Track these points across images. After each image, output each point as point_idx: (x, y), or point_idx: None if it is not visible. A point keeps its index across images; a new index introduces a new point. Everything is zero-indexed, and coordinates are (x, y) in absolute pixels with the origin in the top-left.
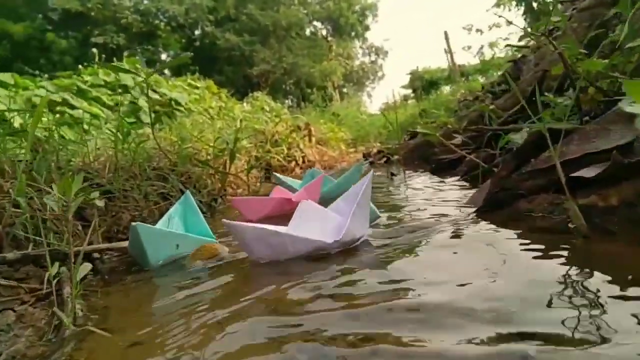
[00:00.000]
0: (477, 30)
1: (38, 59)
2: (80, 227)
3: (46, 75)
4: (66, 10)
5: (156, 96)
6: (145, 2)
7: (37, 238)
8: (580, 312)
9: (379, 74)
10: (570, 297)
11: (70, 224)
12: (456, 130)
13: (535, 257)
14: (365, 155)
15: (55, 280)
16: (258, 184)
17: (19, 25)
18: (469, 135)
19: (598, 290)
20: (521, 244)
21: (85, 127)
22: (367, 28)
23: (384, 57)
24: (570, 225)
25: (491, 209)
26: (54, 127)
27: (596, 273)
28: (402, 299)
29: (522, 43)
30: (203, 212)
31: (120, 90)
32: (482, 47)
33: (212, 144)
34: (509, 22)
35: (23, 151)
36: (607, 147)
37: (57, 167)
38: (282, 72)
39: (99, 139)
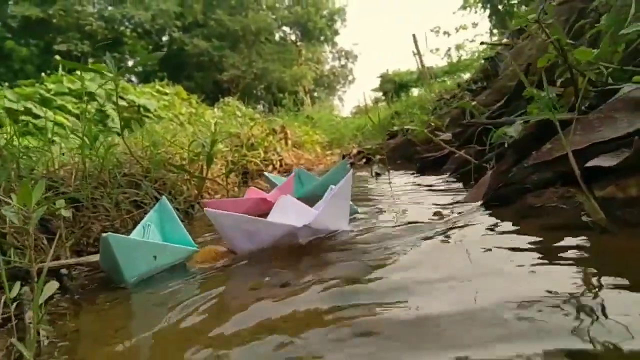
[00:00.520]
0: (445, 32)
1: None
2: (45, 241)
3: (7, 84)
4: (26, 17)
5: (124, 103)
6: (110, 8)
7: None
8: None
9: (350, 77)
10: (602, 301)
11: (31, 238)
12: (438, 127)
13: (553, 255)
14: (345, 156)
15: (15, 304)
16: (236, 189)
17: None
18: (452, 132)
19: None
20: (535, 242)
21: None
22: (336, 32)
23: (354, 61)
24: (586, 219)
25: (495, 205)
26: (15, 136)
27: (626, 271)
28: (402, 309)
29: (496, 41)
30: (180, 220)
31: (86, 98)
32: (449, 49)
33: (186, 148)
34: (475, 24)
35: None
36: (615, 136)
37: (18, 176)
38: (253, 77)
39: (64, 146)
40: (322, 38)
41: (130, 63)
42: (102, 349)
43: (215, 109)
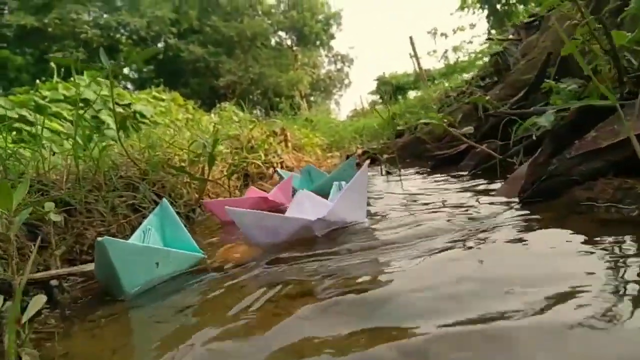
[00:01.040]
0: (442, 34)
1: None
2: (33, 248)
3: (0, 91)
4: (21, 26)
5: (119, 109)
6: (105, 16)
7: None
8: None
9: (346, 81)
10: None
11: (12, 245)
12: (451, 123)
13: (618, 257)
14: (349, 156)
15: None
16: (237, 192)
17: None
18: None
19: None
20: (594, 242)
21: (45, 142)
22: (331, 37)
23: (350, 64)
24: None
25: (537, 201)
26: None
27: None
28: (474, 323)
29: (502, 37)
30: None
31: (81, 104)
32: (446, 51)
33: (186, 149)
34: (473, 25)
35: None
36: None
37: (6, 179)
38: (249, 82)
39: (55, 148)
40: (317, 42)
41: (125, 70)
42: None
43: (212, 115)
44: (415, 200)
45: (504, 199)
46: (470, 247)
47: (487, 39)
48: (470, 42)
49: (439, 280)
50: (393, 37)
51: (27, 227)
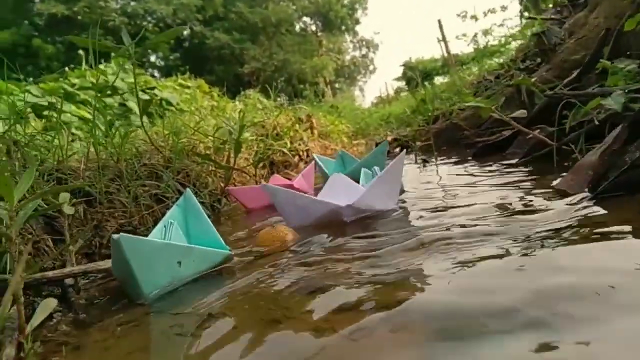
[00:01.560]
0: (472, 17)
1: (25, 66)
2: (50, 242)
3: (31, 79)
4: (52, 15)
5: (146, 96)
6: (133, 3)
7: None
8: None
9: (370, 67)
10: None
11: (15, 245)
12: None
13: None
14: (378, 143)
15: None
16: (263, 181)
17: (5, 32)
18: (507, 113)
19: None
20: None
21: (74, 130)
22: (357, 21)
23: (375, 50)
24: None
25: (614, 195)
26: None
27: None
28: None
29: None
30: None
31: (108, 92)
32: (475, 34)
33: (211, 136)
34: (504, 8)
35: None
36: None
37: (23, 167)
38: (273, 69)
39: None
40: (343, 27)
41: (152, 58)
42: None
43: (237, 102)
44: (457, 193)
45: (568, 193)
46: (538, 250)
47: (528, 18)
48: (502, 24)
49: (503, 290)
50: (419, 22)
51: (43, 219)
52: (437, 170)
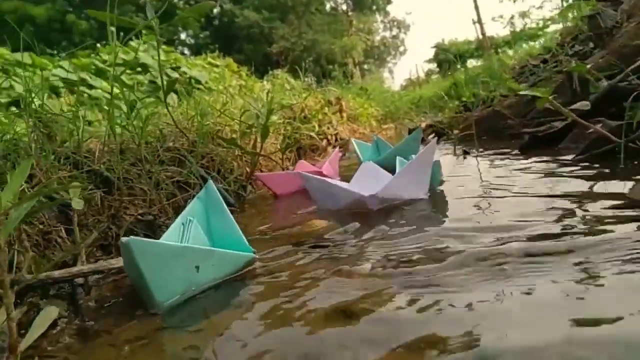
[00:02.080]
0: None
1: (60, 41)
2: (63, 232)
3: (64, 54)
4: None
5: (176, 74)
6: (204, 2)
7: None
8: None
9: (401, 48)
10: None
11: (4, 253)
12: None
13: None
14: (411, 130)
15: None
16: (290, 167)
17: (40, 7)
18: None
19: None
20: None
21: (105, 107)
22: (388, 1)
23: (406, 31)
24: None
25: None
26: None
27: None
28: None
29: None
30: (230, 206)
31: (139, 69)
32: (512, 17)
33: (238, 119)
34: None
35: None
36: None
37: (41, 150)
38: (302, 49)
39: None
40: (374, 7)
41: (182, 35)
42: None
43: (265, 82)
44: (501, 192)
45: None
46: (622, 283)
47: None
48: (541, 7)
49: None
50: (452, 3)
51: (57, 207)
52: (477, 163)
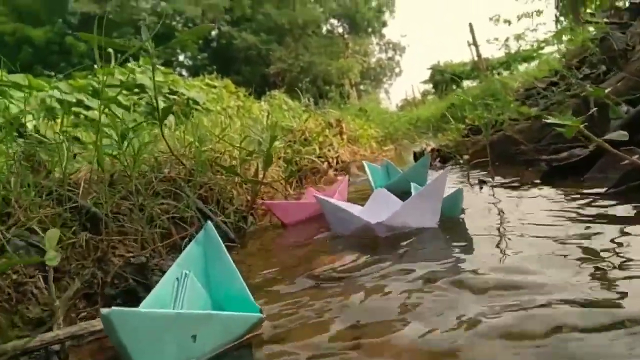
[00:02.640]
0: (505, 21)
1: (58, 63)
2: (41, 281)
3: (61, 76)
4: (85, 13)
5: (173, 96)
6: (163, 4)
7: None
8: None
9: (396, 70)
10: None
11: None
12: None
13: None
14: (416, 155)
15: None
16: (290, 190)
17: (39, 30)
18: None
19: None
20: None
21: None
22: (384, 24)
23: (402, 53)
24: None
25: None
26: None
27: None
28: None
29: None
30: (231, 241)
31: (137, 90)
32: (507, 39)
33: (238, 145)
34: (539, 12)
35: None
36: None
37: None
38: (299, 70)
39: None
40: (369, 30)
41: (180, 57)
42: None
43: (263, 102)
44: (528, 233)
45: None
46: None
47: (586, 22)
48: (535, 29)
49: None
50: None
51: (35, 250)
52: (494, 194)
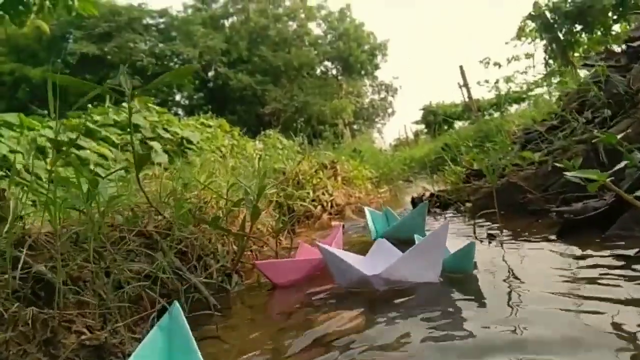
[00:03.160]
0: (495, 64)
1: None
2: None
3: (53, 115)
4: (83, 54)
5: (168, 135)
6: (161, 45)
7: None
8: None
9: (389, 110)
10: None
11: None
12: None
13: None
14: (415, 201)
15: None
16: (282, 239)
17: (37, 69)
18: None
19: None
20: None
21: (92, 167)
22: (376, 67)
23: (394, 94)
24: None
25: None
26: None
27: None
28: None
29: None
30: (209, 309)
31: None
32: (497, 81)
33: (224, 194)
34: (529, 55)
35: None
36: None
37: None
38: (294, 110)
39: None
40: (362, 72)
41: (177, 97)
42: None
43: (257, 142)
44: (544, 303)
45: None
46: None
47: (583, 65)
48: (524, 72)
49: None
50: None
51: None
52: (504, 250)
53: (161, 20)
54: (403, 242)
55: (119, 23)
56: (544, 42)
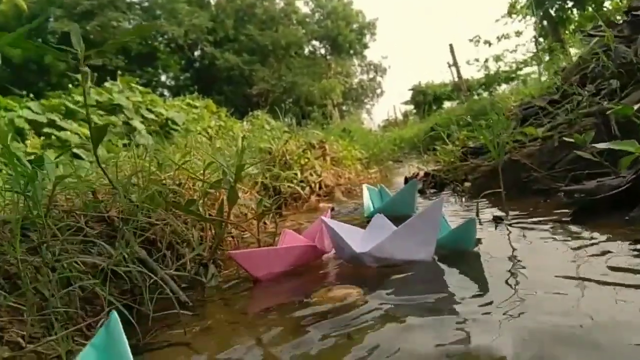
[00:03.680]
0: (485, 42)
1: (37, 82)
2: None
3: (32, 95)
4: (65, 33)
5: (152, 116)
6: (145, 24)
7: None
8: None
9: (378, 91)
10: None
11: None
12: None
13: None
14: (407, 179)
15: None
16: (267, 223)
17: (17, 49)
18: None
19: None
20: None
21: (75, 150)
22: (365, 46)
23: (383, 74)
24: None
25: None
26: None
27: None
28: None
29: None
30: (179, 306)
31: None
32: (486, 60)
33: (200, 174)
34: (519, 33)
35: None
36: None
37: None
38: (282, 90)
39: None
40: (351, 52)
41: (163, 77)
42: None
43: (245, 122)
44: (558, 297)
45: None
46: None
47: (586, 34)
48: (514, 50)
49: None
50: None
51: None
52: (509, 233)
53: None
54: (395, 219)
55: (101, 1)
56: (535, 19)
